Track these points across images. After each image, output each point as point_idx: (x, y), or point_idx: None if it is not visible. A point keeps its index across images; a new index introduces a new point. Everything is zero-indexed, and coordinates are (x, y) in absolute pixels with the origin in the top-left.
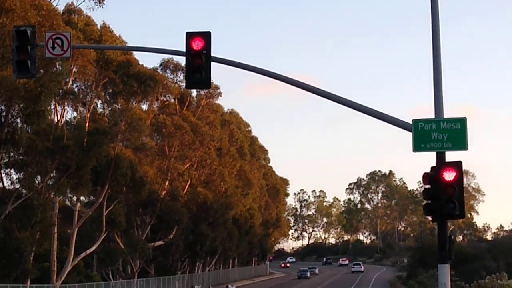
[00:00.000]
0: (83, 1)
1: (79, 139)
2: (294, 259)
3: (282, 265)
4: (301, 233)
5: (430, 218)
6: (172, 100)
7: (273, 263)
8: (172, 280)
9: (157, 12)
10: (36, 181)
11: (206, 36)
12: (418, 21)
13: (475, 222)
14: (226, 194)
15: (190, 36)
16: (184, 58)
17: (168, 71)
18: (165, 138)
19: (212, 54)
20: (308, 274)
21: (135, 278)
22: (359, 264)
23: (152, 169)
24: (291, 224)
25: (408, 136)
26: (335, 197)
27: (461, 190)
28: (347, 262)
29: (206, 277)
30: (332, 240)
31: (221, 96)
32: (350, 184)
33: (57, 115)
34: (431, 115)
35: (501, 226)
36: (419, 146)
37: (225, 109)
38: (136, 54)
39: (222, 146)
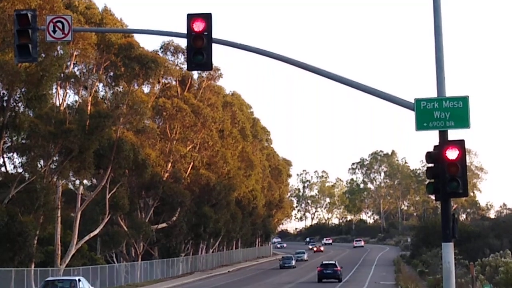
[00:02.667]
0: None
1: (81, 123)
2: (279, 239)
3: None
4: (304, 214)
5: (433, 197)
6: (174, 83)
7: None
8: (176, 262)
9: None
10: (39, 165)
11: (207, 18)
12: (419, 2)
13: (478, 200)
14: (229, 175)
15: (191, 17)
16: (185, 40)
17: (168, 53)
18: (166, 121)
19: (213, 36)
20: (293, 262)
21: (139, 260)
22: (360, 240)
23: (155, 151)
24: (294, 205)
25: (410, 115)
26: (337, 178)
27: (464, 168)
28: (331, 241)
29: (210, 259)
30: (335, 220)
31: (222, 77)
32: (352, 164)
33: (59, 99)
34: (434, 95)
35: (504, 204)
36: (421, 125)
37: (227, 91)
38: (137, 37)
39: (224, 127)
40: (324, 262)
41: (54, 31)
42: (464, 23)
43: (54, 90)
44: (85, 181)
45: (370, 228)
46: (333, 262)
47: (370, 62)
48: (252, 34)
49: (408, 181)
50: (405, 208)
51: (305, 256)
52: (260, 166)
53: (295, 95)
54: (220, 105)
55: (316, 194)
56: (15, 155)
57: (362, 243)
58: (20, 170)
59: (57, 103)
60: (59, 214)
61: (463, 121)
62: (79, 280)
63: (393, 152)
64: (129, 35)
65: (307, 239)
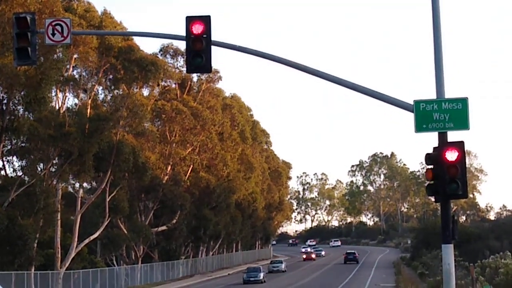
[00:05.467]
0: None
1: (81, 126)
2: (274, 243)
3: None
4: (304, 216)
5: (433, 198)
6: (173, 85)
7: (276, 246)
8: (176, 265)
9: None
10: (39, 168)
11: (206, 20)
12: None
13: (477, 202)
14: (229, 178)
15: (190, 20)
16: (184, 42)
17: (168, 56)
18: (166, 123)
19: (213, 38)
20: (261, 276)
21: (139, 263)
22: (337, 241)
23: (154, 154)
24: (294, 207)
25: (409, 117)
26: (337, 180)
27: (464, 170)
28: (314, 243)
29: (210, 261)
30: (335, 223)
31: (221, 80)
32: (352, 166)
33: (58, 102)
34: (433, 96)
35: (504, 206)
36: (421, 126)
37: (227, 93)
38: (136, 40)
39: (223, 130)
40: (348, 251)
41: (53, 34)
42: (464, 24)
43: (53, 93)
44: (84, 184)
45: (370, 230)
46: (353, 251)
47: (369, 64)
48: (251, 36)
49: (408, 183)
50: (405, 210)
51: (283, 266)
52: (260, 169)
53: (295, 97)
54: (219, 107)
55: (316, 197)
56: (14, 158)
57: (339, 243)
58: (19, 173)
59: (57, 106)
60: (59, 217)
61: (462, 123)
62: None
63: (392, 154)
64: (129, 38)
65: (290, 241)
